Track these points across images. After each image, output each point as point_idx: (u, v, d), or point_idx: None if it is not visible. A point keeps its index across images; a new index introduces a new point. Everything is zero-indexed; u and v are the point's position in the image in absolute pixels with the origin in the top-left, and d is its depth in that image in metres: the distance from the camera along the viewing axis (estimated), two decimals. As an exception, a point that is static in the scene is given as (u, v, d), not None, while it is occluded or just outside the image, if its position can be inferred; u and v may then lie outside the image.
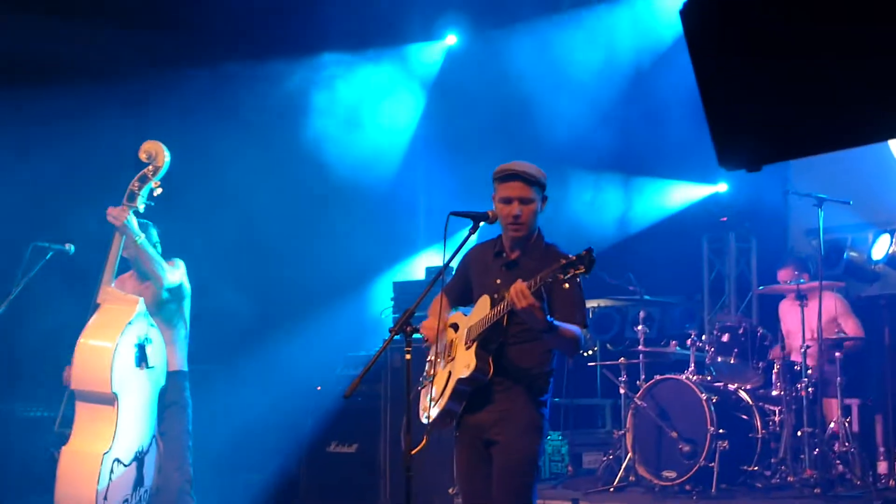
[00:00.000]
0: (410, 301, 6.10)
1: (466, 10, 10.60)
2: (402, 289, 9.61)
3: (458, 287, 5.14)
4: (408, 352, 4.44)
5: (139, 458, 6.44)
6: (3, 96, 8.52)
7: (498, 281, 4.83)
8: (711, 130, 1.72)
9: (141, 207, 6.55)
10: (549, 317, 4.49)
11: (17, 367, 8.45)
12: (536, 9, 10.05)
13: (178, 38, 9.75)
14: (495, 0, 10.30)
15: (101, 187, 7.01)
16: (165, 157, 6.57)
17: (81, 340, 6.36)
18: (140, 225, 6.83)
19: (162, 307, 6.95)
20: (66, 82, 8.91)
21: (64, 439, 6.35)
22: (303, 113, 10.09)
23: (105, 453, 6.21)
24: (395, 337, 4.58)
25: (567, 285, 4.40)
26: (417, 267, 10.80)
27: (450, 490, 7.85)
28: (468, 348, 4.74)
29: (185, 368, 7.06)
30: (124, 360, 6.35)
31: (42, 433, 6.59)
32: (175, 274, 6.92)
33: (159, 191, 6.60)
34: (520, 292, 4.38)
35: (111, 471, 6.22)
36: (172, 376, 6.85)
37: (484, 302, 4.81)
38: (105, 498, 6.19)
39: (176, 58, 9.66)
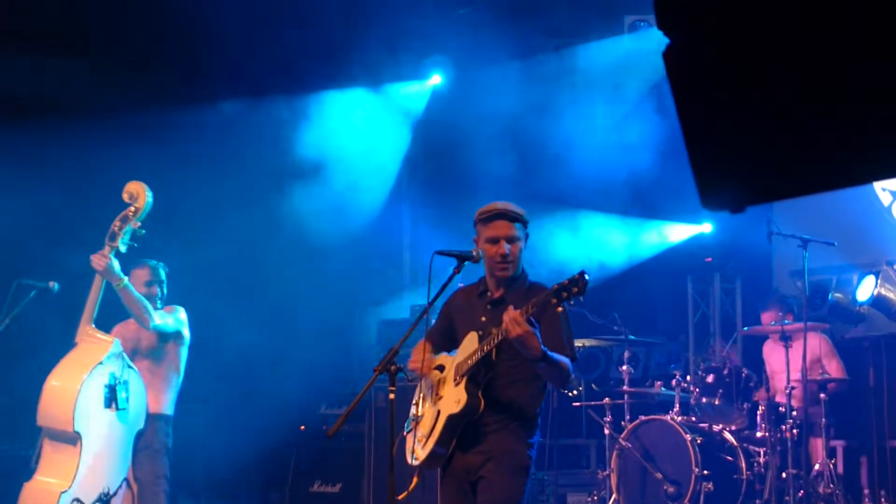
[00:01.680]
0: (395, 339, 6.07)
1: (451, 50, 10.64)
2: (386, 327, 9.58)
3: (441, 331, 5.09)
4: (392, 391, 4.42)
5: (104, 500, 6.32)
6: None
7: (483, 319, 4.82)
8: (694, 171, 1.72)
9: (122, 248, 6.52)
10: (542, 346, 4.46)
11: (3, 405, 8.37)
12: (521, 49, 10.10)
13: (168, 76, 9.76)
14: (480, 41, 10.34)
15: (90, 225, 6.98)
16: (147, 198, 6.54)
17: (49, 378, 6.31)
18: (151, 265, 6.92)
19: (155, 350, 6.97)
20: (55, 120, 8.90)
21: None
22: (286, 150, 10.08)
23: (63, 492, 6.11)
24: (380, 375, 4.56)
25: (560, 308, 4.39)
26: (402, 305, 10.77)
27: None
28: (457, 384, 4.71)
29: (169, 413, 7.03)
30: (90, 399, 6.27)
31: (25, 471, 6.52)
32: (167, 319, 6.93)
33: (142, 231, 6.58)
34: (513, 320, 4.36)
35: None
36: (152, 419, 6.80)
37: (471, 339, 4.78)
38: None
39: (168, 97, 9.65)
